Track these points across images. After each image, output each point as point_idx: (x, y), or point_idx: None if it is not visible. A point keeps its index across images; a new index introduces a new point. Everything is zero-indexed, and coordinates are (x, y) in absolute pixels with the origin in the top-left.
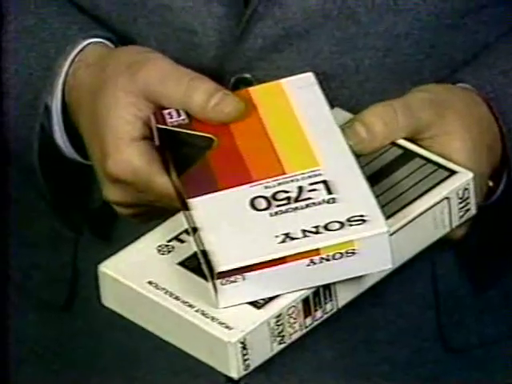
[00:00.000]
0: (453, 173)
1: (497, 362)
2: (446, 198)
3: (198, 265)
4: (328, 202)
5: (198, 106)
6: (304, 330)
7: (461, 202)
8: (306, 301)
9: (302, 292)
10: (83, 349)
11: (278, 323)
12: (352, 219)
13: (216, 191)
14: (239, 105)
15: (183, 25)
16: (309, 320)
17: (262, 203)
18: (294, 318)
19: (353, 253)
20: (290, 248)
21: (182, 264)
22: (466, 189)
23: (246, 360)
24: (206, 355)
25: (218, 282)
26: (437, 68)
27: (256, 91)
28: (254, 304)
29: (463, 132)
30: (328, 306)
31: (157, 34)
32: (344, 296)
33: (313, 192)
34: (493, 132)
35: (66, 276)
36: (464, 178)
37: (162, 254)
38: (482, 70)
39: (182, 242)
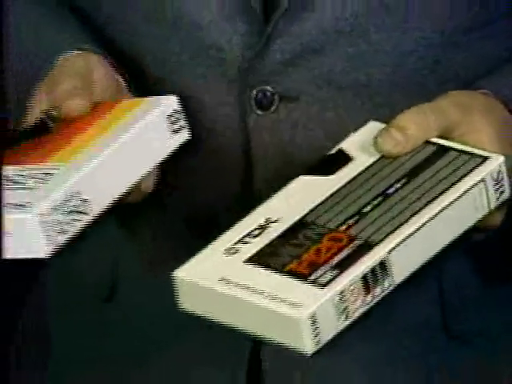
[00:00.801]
0: (486, 158)
1: (502, 351)
2: (482, 180)
3: (263, 259)
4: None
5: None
6: (366, 307)
7: (496, 184)
8: (364, 278)
9: (360, 270)
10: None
11: (342, 300)
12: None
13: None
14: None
15: (211, 41)
16: (369, 297)
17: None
18: (356, 295)
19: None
20: None
21: (247, 261)
22: (499, 171)
23: (316, 335)
24: (281, 336)
25: None
26: (441, 82)
27: (122, 103)
28: (318, 284)
29: (488, 128)
30: (386, 283)
31: (189, 51)
32: (400, 272)
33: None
34: None
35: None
36: (496, 161)
37: (229, 255)
38: (498, 77)
39: (245, 243)
